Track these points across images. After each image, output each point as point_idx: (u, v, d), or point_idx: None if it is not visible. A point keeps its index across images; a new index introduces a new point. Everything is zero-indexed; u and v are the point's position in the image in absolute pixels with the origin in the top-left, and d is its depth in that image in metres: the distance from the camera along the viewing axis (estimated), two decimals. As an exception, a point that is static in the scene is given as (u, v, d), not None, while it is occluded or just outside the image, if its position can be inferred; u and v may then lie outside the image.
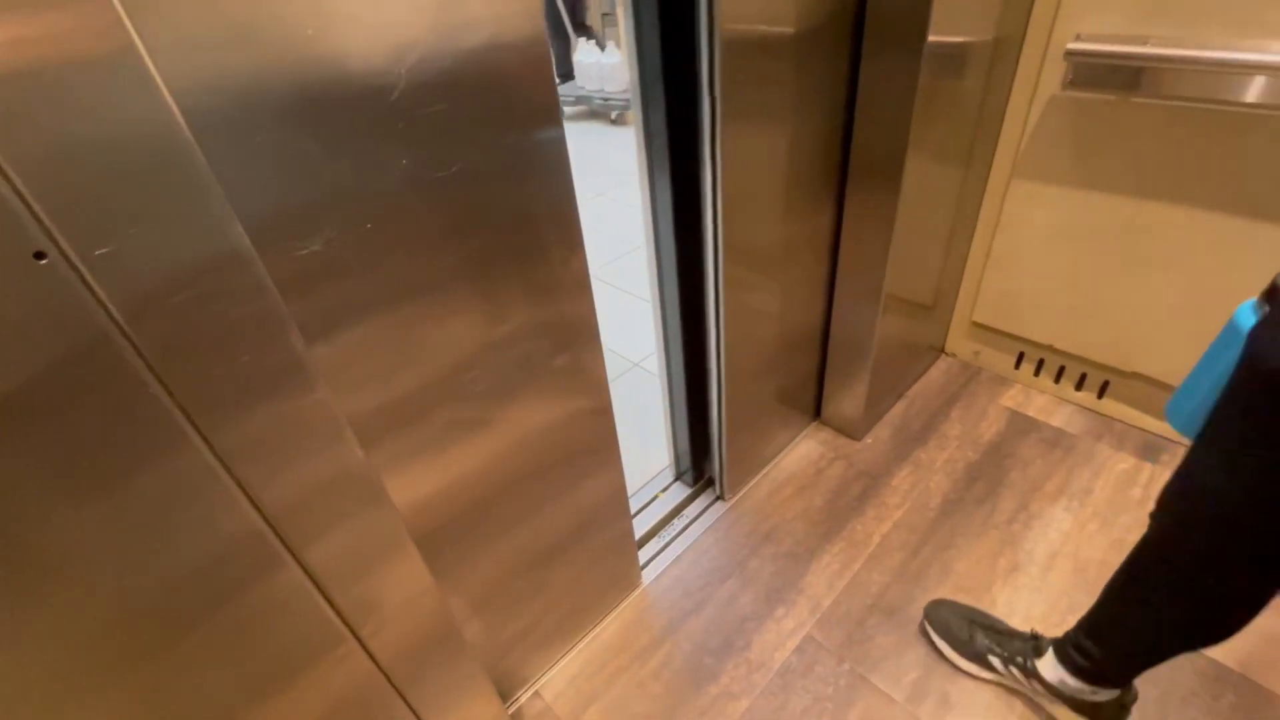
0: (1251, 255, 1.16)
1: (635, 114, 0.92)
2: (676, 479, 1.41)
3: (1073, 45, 1.18)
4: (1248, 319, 0.63)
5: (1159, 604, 0.75)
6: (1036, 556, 1.22)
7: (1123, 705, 0.91)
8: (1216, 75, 1.10)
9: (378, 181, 0.51)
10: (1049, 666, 0.92)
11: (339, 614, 0.55)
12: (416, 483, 0.70)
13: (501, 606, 0.93)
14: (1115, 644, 0.84)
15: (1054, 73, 1.25)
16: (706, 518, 1.34)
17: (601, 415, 0.91)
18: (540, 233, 0.68)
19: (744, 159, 0.94)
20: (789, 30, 0.91)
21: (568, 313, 0.76)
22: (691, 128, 0.90)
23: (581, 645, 1.13)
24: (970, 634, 1.04)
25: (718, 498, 1.38)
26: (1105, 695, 0.89)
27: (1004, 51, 1.26)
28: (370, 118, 0.49)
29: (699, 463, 1.37)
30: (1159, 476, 1.35)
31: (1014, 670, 0.97)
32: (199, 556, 0.44)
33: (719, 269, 1.02)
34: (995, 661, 1.00)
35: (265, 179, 0.45)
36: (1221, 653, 1.04)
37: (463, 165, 0.57)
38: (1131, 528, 1.25)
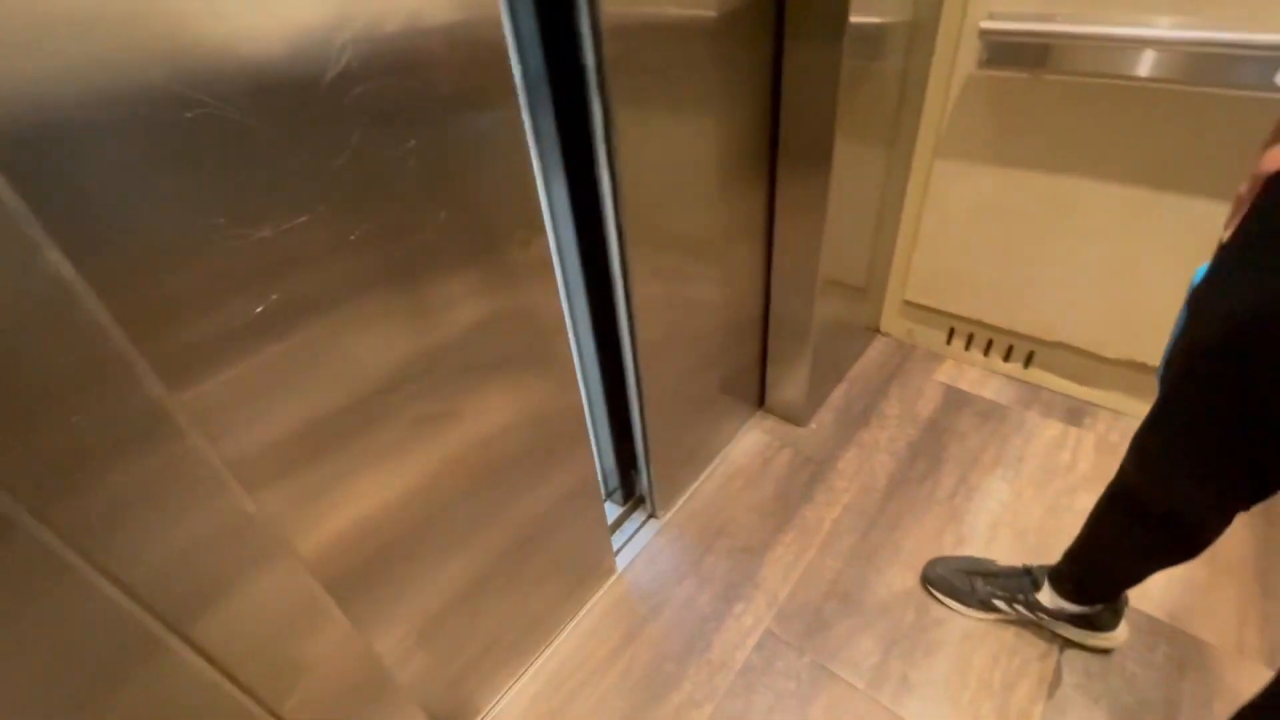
0: (1160, 225, 1.22)
1: (524, 117, 0.84)
2: (606, 498, 1.34)
3: (985, 24, 1.20)
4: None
5: (1130, 535, 0.82)
6: (979, 528, 1.25)
7: (1115, 611, 1.00)
8: (1111, 50, 1.13)
9: (323, 167, 0.48)
10: (1048, 596, 1.00)
11: (248, 691, 0.48)
12: (360, 504, 0.63)
13: (453, 631, 0.86)
14: (1098, 571, 0.92)
15: (969, 52, 1.27)
16: (640, 538, 1.27)
17: (569, 398, 0.88)
18: (499, 215, 0.66)
19: (650, 153, 0.88)
20: (697, 14, 0.86)
21: (531, 296, 0.74)
22: (587, 126, 0.83)
23: (538, 664, 1.07)
24: (971, 584, 1.09)
25: (650, 516, 1.32)
26: (1099, 608, 0.98)
27: (921, 32, 1.27)
28: (310, 99, 0.45)
29: (628, 479, 1.30)
30: (1085, 439, 1.41)
31: (1018, 607, 1.04)
32: (54, 656, 0.36)
33: (628, 279, 0.94)
34: (1000, 604, 1.06)
35: (191, 171, 0.41)
36: (1152, 606, 1.09)
37: (416, 144, 0.54)
38: (1064, 492, 1.30)
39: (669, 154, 0.92)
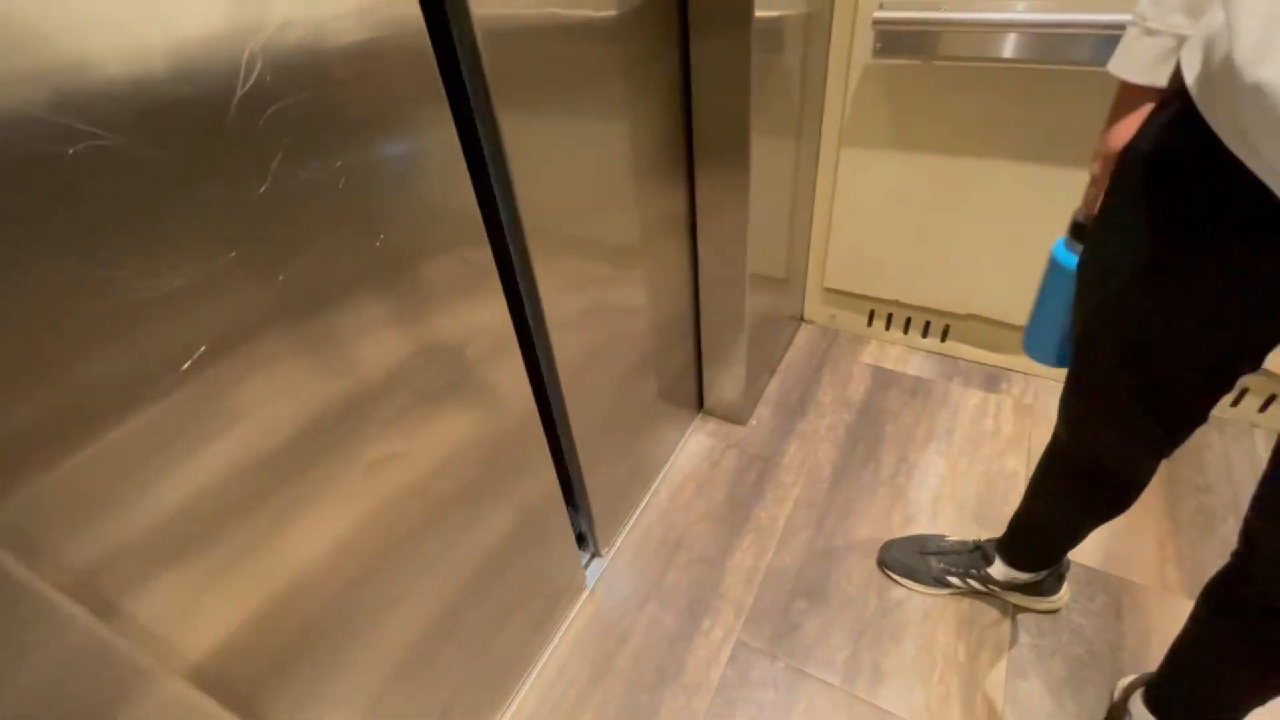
0: (1047, 196, 1.29)
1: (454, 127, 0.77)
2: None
3: (878, 14, 1.22)
4: (1066, 255, 0.72)
5: (1068, 495, 0.86)
6: (923, 504, 1.28)
7: (1059, 576, 1.05)
8: (985, 35, 1.19)
9: (241, 198, 0.44)
10: (999, 569, 1.04)
11: None
12: (278, 576, 0.55)
13: (407, 700, 0.77)
14: (1041, 536, 0.96)
15: (864, 42, 1.29)
16: (588, 577, 1.19)
17: (522, 406, 0.84)
18: (439, 233, 0.63)
19: (550, 161, 0.81)
20: (588, 14, 0.80)
21: (477, 312, 0.71)
22: (474, 140, 0.75)
23: (503, 722, 1.00)
24: (925, 564, 1.12)
25: (594, 555, 1.23)
26: (1044, 573, 1.03)
27: (817, 24, 1.28)
28: (219, 120, 0.41)
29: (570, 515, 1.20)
30: (1004, 404, 1.48)
31: (971, 581, 1.09)
32: None
33: (536, 296, 0.86)
34: (954, 579, 1.10)
35: (75, 218, 0.36)
36: (1085, 557, 1.15)
37: (346, 164, 0.50)
38: (993, 458, 1.36)
39: (573, 160, 0.86)
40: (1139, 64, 0.59)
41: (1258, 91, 0.42)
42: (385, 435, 0.63)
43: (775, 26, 1.08)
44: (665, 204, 1.13)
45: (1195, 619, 0.76)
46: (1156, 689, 0.84)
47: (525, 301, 0.88)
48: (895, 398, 1.53)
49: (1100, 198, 0.64)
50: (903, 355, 1.66)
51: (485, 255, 0.70)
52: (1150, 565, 1.14)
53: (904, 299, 1.60)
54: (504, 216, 0.79)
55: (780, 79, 1.17)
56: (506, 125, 0.71)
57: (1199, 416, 0.65)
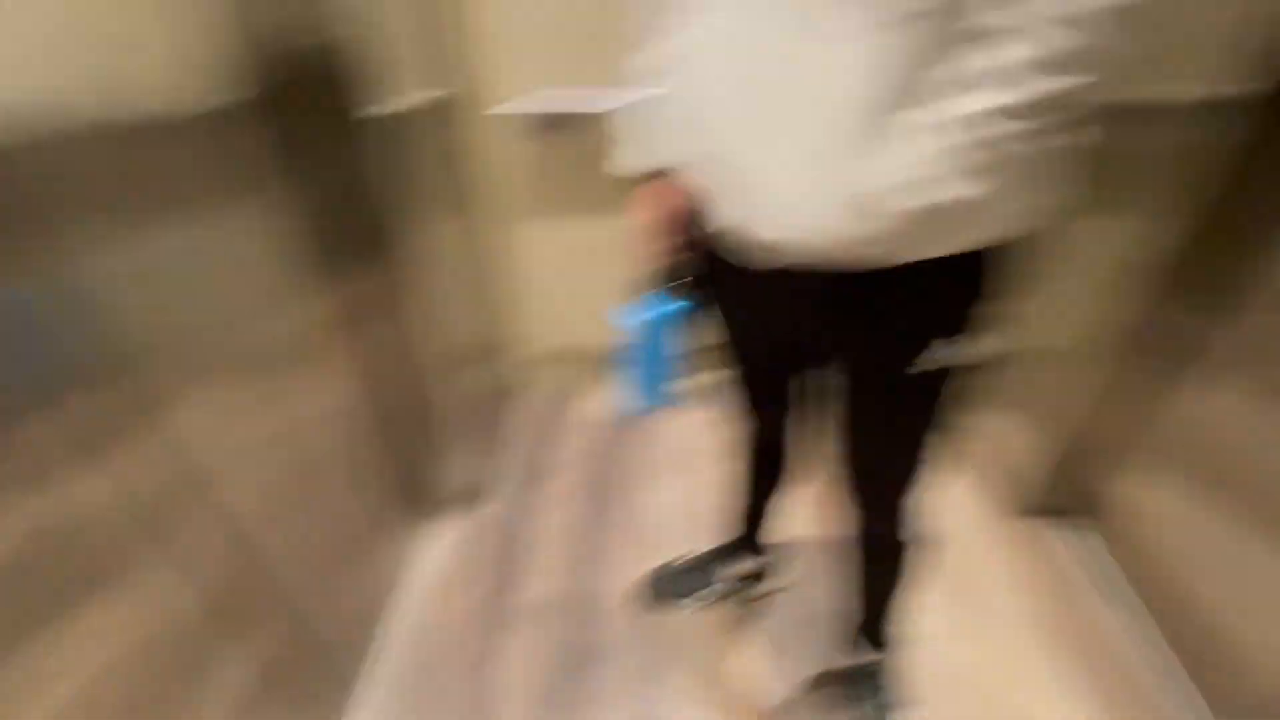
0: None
1: None
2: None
3: (496, 109, 1.34)
4: (643, 314, 0.83)
5: (758, 473, 1.07)
6: (671, 534, 1.36)
7: (781, 555, 1.22)
8: (583, 119, 1.35)
9: None
10: (735, 564, 1.19)
11: None
12: None
13: None
14: (754, 518, 1.14)
15: (501, 127, 1.39)
16: None
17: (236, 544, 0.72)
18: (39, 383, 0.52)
19: (166, 290, 0.69)
20: (155, 113, 0.68)
21: (120, 472, 0.58)
22: None
23: None
24: (684, 586, 1.22)
25: (344, 707, 1.02)
26: (768, 556, 1.20)
27: (451, 113, 1.33)
28: None
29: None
30: (700, 421, 1.66)
31: (724, 584, 1.21)
32: None
33: (189, 450, 0.70)
34: (705, 590, 1.21)
35: None
36: (792, 534, 1.32)
37: None
38: (707, 469, 1.52)
39: (197, 281, 0.74)
40: (632, 159, 0.78)
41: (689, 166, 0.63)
42: (19, 655, 0.48)
43: (394, 120, 1.05)
44: (332, 305, 1.03)
45: (845, 556, 0.96)
46: (855, 622, 1.02)
47: (178, 448, 0.71)
48: (618, 442, 1.63)
49: (656, 257, 0.82)
50: (612, 400, 1.77)
51: (109, 403, 0.58)
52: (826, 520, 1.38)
53: (596, 345, 1.72)
54: (113, 354, 0.64)
55: (428, 166, 1.18)
56: (78, 249, 0.57)
57: (789, 394, 0.90)
